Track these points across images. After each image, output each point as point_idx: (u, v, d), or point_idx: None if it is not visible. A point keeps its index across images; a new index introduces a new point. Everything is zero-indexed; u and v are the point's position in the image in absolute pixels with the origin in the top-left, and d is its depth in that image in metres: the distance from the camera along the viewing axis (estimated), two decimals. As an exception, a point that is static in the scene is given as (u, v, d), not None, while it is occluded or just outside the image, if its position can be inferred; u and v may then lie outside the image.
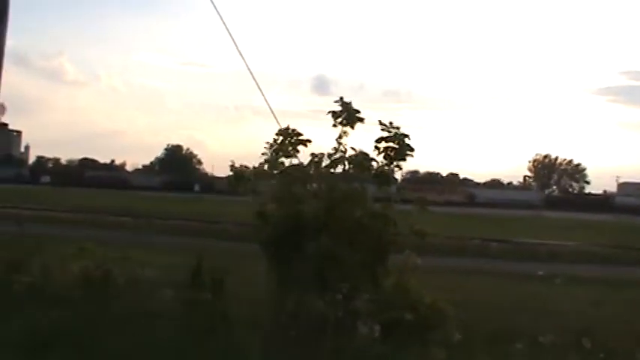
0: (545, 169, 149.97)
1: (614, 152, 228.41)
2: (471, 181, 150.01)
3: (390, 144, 8.38)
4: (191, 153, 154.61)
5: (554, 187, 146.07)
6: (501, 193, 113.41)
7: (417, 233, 8.20)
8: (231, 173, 8.83)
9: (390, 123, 8.42)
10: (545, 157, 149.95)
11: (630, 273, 22.06)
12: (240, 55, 9.65)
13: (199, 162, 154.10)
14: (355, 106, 8.49)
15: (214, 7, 9.26)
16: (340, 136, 8.51)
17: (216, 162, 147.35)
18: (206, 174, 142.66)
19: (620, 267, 24.54)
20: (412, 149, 8.38)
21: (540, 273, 16.76)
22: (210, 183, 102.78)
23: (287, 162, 8.62)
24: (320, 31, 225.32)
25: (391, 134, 8.37)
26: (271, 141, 8.66)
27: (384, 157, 8.40)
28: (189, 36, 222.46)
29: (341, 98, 8.57)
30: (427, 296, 8.02)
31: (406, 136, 8.38)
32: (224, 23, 9.41)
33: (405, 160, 8.43)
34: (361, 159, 8.37)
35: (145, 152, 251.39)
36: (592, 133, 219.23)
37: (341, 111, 8.55)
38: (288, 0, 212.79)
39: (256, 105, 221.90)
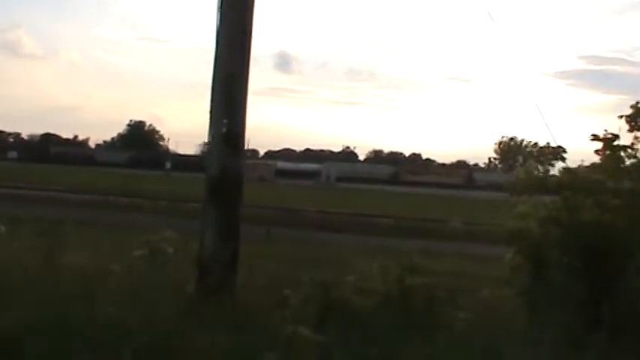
0: (511, 151, 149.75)
1: (572, 135, 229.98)
2: (434, 161, 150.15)
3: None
4: (154, 129, 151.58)
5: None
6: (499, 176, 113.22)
7: None
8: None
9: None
10: (511, 139, 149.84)
11: None
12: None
13: (161, 138, 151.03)
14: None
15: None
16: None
17: (176, 139, 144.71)
18: (167, 150, 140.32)
19: None
20: None
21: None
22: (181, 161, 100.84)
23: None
24: (283, 6, 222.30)
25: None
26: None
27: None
28: (147, 10, 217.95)
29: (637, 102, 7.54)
30: None
31: None
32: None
33: None
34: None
35: (105, 128, 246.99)
36: (552, 117, 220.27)
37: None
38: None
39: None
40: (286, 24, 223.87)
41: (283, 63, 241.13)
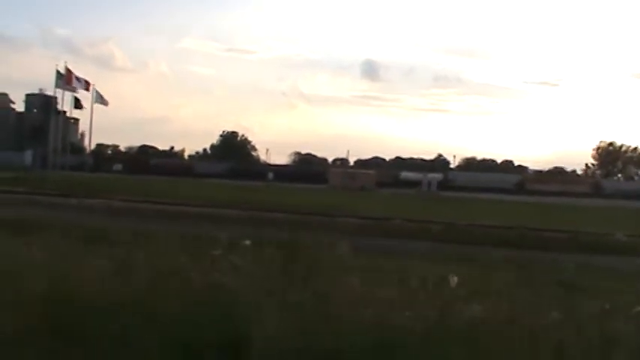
0: (609, 156, 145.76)
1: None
2: (526, 168, 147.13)
3: None
4: (246, 139, 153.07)
5: (620, 175, 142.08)
6: (627, 184, 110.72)
7: None
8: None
9: None
10: (610, 144, 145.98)
11: None
12: None
13: (253, 148, 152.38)
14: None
15: None
16: None
17: (267, 148, 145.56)
18: (257, 160, 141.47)
19: None
20: None
21: None
22: (284, 171, 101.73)
23: None
24: (369, 15, 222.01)
25: None
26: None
27: None
28: (233, 22, 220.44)
29: None
30: None
31: None
32: None
33: None
34: None
35: (195, 138, 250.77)
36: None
37: None
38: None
39: (304, 91, 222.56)
40: (372, 32, 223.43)
41: (370, 71, 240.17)
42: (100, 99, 62.18)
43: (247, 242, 6.84)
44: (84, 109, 63.19)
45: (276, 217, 28.10)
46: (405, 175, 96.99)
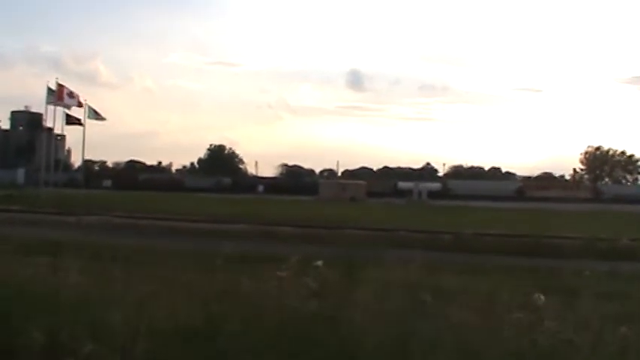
0: (597, 160, 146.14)
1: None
2: (514, 175, 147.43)
3: None
4: (233, 153, 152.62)
5: (607, 180, 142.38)
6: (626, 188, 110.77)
7: None
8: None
9: None
10: (597, 149, 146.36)
11: None
12: None
13: (241, 161, 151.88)
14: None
15: None
16: None
17: (255, 161, 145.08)
18: (245, 173, 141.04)
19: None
20: None
21: None
22: (273, 183, 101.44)
23: None
24: (354, 25, 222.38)
25: None
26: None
27: None
28: (218, 35, 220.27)
29: None
30: None
31: None
32: None
33: None
34: None
35: (182, 152, 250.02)
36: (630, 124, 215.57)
37: None
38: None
39: (290, 102, 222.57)
40: (357, 42, 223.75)
41: (355, 81, 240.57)
42: (95, 115, 61.45)
43: (319, 263, 6.29)
44: (73, 125, 62.05)
45: (285, 232, 27.70)
46: (402, 184, 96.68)
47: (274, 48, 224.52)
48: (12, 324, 5.78)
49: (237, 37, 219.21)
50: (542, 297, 6.39)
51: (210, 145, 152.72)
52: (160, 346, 4.94)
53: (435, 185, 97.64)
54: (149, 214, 36.72)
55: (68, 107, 58.29)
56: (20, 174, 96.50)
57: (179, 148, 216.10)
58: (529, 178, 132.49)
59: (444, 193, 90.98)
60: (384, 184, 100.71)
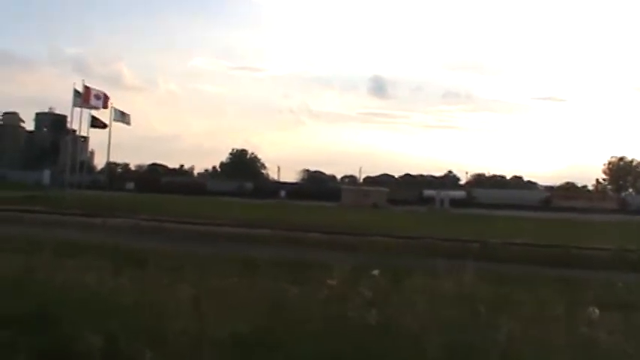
0: (620, 171, 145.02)
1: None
2: (535, 184, 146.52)
3: None
4: (255, 157, 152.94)
5: (630, 190, 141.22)
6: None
7: None
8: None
9: None
10: (621, 159, 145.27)
11: None
12: None
13: (263, 166, 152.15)
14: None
15: None
16: None
17: (278, 166, 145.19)
18: (267, 178, 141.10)
19: None
20: None
21: None
22: (295, 189, 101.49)
23: None
24: (377, 31, 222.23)
25: None
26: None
27: None
28: (242, 40, 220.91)
29: None
30: None
31: None
32: None
33: None
34: None
35: (204, 156, 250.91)
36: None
37: None
38: (342, 0, 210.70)
39: (312, 108, 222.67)
40: (380, 48, 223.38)
41: (378, 87, 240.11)
42: (121, 117, 61.73)
43: (376, 272, 6.15)
44: (97, 128, 62.30)
45: (313, 238, 27.56)
46: (428, 192, 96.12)
47: (298, 53, 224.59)
48: (64, 328, 5.74)
49: (261, 43, 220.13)
50: (596, 310, 6.28)
51: (233, 149, 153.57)
52: (222, 358, 4.86)
53: (460, 193, 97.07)
54: (173, 217, 36.68)
55: (94, 109, 58.65)
56: (46, 175, 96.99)
57: (201, 151, 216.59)
58: (552, 187, 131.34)
59: (468, 202, 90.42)
60: (406, 192, 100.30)
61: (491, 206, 78.55)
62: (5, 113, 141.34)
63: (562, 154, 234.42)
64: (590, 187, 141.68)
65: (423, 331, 5.18)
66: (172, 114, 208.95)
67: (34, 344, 5.42)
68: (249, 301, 6.40)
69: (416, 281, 8.10)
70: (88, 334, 5.10)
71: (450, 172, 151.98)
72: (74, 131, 68.53)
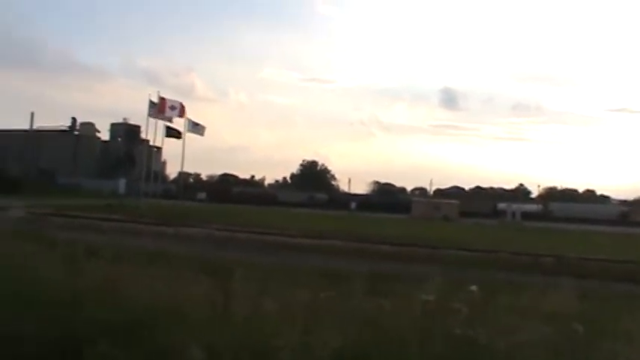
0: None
1: None
2: (608, 198, 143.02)
3: None
4: (325, 168, 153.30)
5: None
6: None
7: None
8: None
9: None
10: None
11: None
12: None
13: (333, 177, 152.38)
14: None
15: None
16: None
17: (349, 178, 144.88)
18: (337, 189, 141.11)
19: None
20: None
21: None
22: (365, 200, 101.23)
23: None
24: (447, 43, 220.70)
25: None
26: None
27: None
28: (312, 52, 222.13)
29: None
30: None
31: None
32: None
33: None
34: None
35: (273, 167, 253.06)
36: None
37: None
38: (412, 12, 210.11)
39: (382, 119, 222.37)
40: (450, 60, 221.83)
41: (448, 99, 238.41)
42: (195, 127, 62.62)
43: (474, 287, 5.96)
44: (172, 138, 63.30)
45: (387, 251, 27.43)
46: (502, 205, 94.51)
47: (368, 65, 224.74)
48: (159, 339, 5.71)
49: (331, 55, 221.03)
50: None
51: (303, 160, 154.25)
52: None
53: (534, 207, 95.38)
54: (246, 227, 36.91)
55: (169, 120, 59.61)
56: (122, 184, 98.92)
57: (271, 162, 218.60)
58: (625, 201, 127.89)
59: (543, 215, 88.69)
60: (477, 204, 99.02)
61: (565, 220, 76.90)
62: (82, 123, 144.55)
63: (636, 168, 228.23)
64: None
65: (538, 350, 4.97)
66: (243, 125, 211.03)
67: (130, 356, 5.39)
68: (344, 315, 6.27)
69: (510, 297, 7.85)
70: (192, 347, 5.03)
71: (521, 184, 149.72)
72: (147, 141, 69.78)
